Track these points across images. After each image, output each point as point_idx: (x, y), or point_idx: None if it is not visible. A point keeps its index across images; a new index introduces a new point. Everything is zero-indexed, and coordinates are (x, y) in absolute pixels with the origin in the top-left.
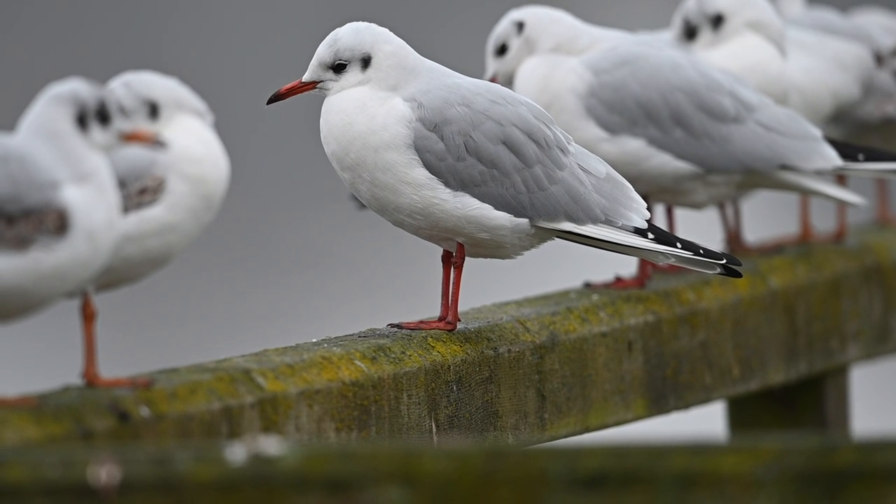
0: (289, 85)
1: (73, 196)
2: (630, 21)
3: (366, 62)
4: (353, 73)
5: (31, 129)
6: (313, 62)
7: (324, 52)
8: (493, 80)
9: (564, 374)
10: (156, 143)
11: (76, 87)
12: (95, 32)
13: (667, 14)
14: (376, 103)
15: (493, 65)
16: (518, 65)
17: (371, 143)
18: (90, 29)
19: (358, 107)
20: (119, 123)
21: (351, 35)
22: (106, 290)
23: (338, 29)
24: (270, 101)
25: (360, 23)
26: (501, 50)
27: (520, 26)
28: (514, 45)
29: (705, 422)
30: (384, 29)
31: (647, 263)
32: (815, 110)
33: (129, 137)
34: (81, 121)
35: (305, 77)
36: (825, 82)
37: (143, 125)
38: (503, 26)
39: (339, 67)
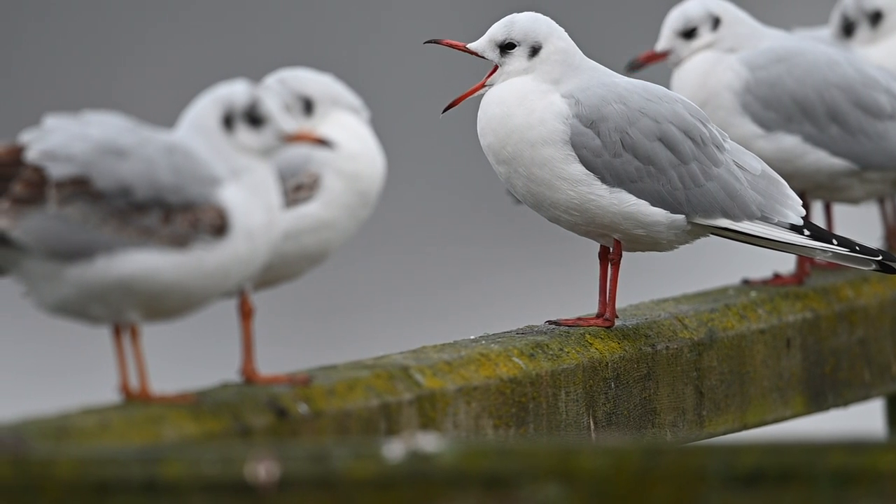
0: (466, 93)
1: (232, 194)
2: (787, 18)
3: (535, 50)
4: (518, 58)
5: (189, 125)
6: (484, 37)
7: (497, 29)
8: (666, 52)
9: (723, 371)
10: (322, 143)
11: (232, 89)
12: (249, 28)
13: (824, 11)
14: (536, 97)
15: (671, 41)
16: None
17: (528, 137)
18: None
19: (518, 98)
20: (280, 124)
21: (528, 21)
22: (264, 287)
23: (516, 13)
24: (446, 110)
25: (539, 14)
26: (689, 33)
27: (716, 22)
28: (705, 38)
29: (864, 419)
30: (560, 26)
31: (806, 261)
32: None
33: (294, 138)
34: (228, 122)
35: (472, 45)
36: None
37: (298, 121)
38: (698, 11)
39: (507, 47)
